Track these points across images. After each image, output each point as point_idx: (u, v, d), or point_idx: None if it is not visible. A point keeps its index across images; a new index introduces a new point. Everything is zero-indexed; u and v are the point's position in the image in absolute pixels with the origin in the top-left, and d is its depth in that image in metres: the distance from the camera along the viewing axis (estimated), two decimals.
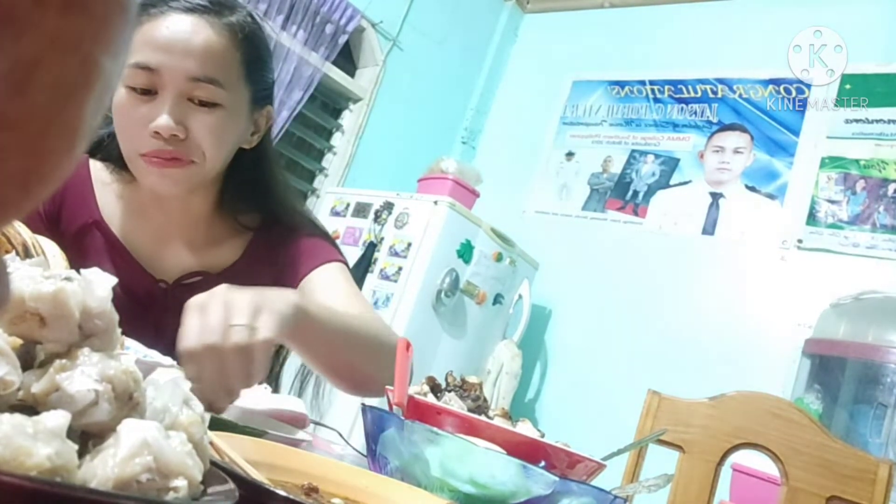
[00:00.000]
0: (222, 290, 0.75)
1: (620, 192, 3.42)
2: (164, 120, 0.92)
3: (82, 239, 1.03)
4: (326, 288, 1.04)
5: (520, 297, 3.14)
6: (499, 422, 0.69)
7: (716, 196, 3.15)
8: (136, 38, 0.93)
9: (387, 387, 0.75)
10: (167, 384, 0.36)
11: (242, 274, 1.06)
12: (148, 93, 0.93)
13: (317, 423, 1.03)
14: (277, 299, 0.78)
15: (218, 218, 1.09)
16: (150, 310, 1.03)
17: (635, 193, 3.38)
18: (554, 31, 3.97)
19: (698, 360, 2.82)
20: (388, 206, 2.93)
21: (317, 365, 0.98)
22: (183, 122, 0.94)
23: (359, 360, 0.96)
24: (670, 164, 3.33)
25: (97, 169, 1.08)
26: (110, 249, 1.03)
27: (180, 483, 0.30)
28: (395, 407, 0.69)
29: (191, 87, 0.94)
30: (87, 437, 0.31)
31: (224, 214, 1.10)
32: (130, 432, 0.30)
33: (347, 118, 3.52)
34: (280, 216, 1.12)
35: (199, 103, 0.95)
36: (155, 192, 1.00)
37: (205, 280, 1.06)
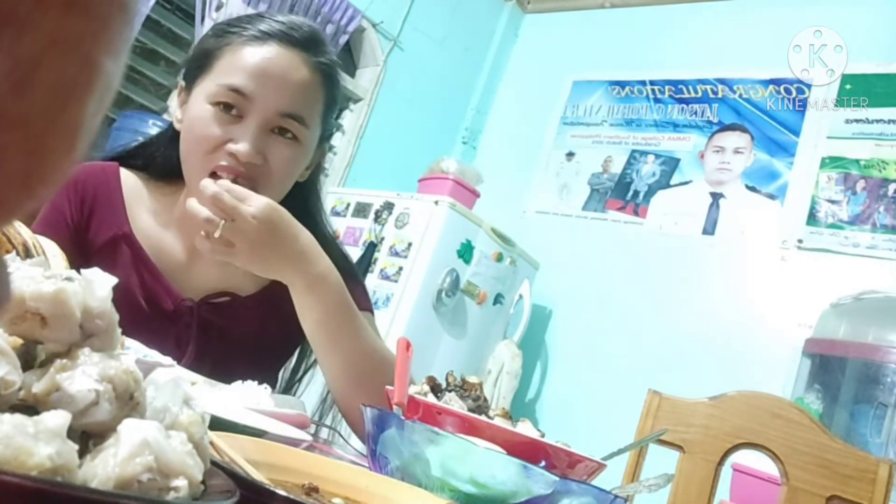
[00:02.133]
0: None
1: (621, 192, 3.42)
2: (245, 147, 0.93)
3: (110, 251, 1.02)
4: None
5: (520, 297, 3.14)
6: (499, 422, 0.69)
7: (716, 196, 3.15)
8: (231, 60, 0.95)
9: (387, 387, 0.75)
10: (167, 384, 0.36)
11: (272, 300, 1.05)
12: (232, 114, 0.94)
13: (317, 424, 1.03)
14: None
15: None
16: (174, 325, 1.02)
17: (636, 193, 3.38)
18: (554, 31, 3.98)
19: (698, 360, 2.82)
20: (389, 206, 2.93)
21: (318, 336, 0.98)
22: (262, 152, 0.95)
23: (352, 354, 0.96)
24: (671, 164, 3.33)
25: (130, 179, 1.06)
26: (137, 264, 1.02)
27: (181, 483, 0.30)
28: (395, 407, 0.69)
29: (278, 121, 0.95)
30: (88, 436, 0.31)
31: None
32: (131, 432, 0.30)
33: (348, 118, 3.52)
34: None
35: (280, 136, 0.96)
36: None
37: (232, 301, 1.05)
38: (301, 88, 0.96)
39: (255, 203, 0.88)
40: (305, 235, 0.94)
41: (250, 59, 0.94)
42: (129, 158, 1.09)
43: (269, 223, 0.89)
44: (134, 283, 1.01)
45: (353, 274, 1.15)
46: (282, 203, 1.04)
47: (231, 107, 0.94)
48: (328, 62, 1.00)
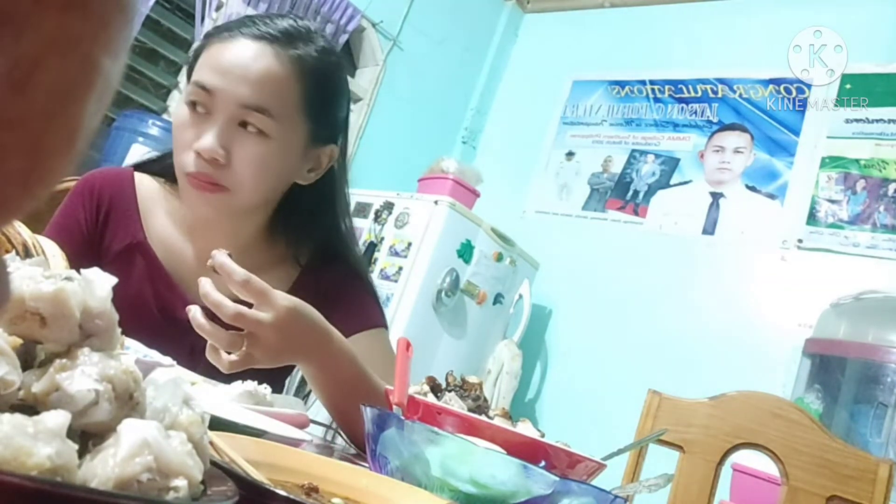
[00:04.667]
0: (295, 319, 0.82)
1: (621, 192, 3.42)
2: (207, 142, 0.92)
3: (124, 261, 1.01)
4: (364, 353, 1.00)
5: (520, 297, 3.14)
6: (499, 422, 0.69)
7: (716, 196, 3.15)
8: (203, 59, 0.96)
9: (387, 387, 0.75)
10: (167, 384, 0.36)
11: None
12: (204, 114, 0.94)
13: (317, 424, 1.03)
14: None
15: (266, 245, 1.07)
16: (188, 333, 1.01)
17: (635, 193, 3.38)
18: (554, 31, 3.97)
19: (698, 360, 2.82)
20: (389, 206, 2.93)
21: (333, 408, 0.95)
22: (227, 148, 0.93)
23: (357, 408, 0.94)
24: (670, 163, 3.33)
25: (145, 183, 1.06)
26: (151, 273, 1.02)
27: (180, 483, 0.30)
28: (395, 407, 0.69)
29: (241, 114, 0.93)
30: (88, 436, 0.31)
31: (274, 242, 1.08)
32: (131, 432, 0.30)
33: None
34: (332, 257, 1.10)
35: (247, 131, 0.94)
36: (194, 213, 0.99)
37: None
38: (264, 79, 0.93)
39: (274, 306, 0.81)
40: (320, 321, 0.89)
41: (217, 54, 0.95)
42: (148, 165, 1.09)
43: (288, 324, 0.83)
44: (148, 293, 1.01)
45: (370, 289, 1.14)
46: (285, 204, 1.04)
47: (202, 105, 0.94)
48: (305, 55, 0.97)
